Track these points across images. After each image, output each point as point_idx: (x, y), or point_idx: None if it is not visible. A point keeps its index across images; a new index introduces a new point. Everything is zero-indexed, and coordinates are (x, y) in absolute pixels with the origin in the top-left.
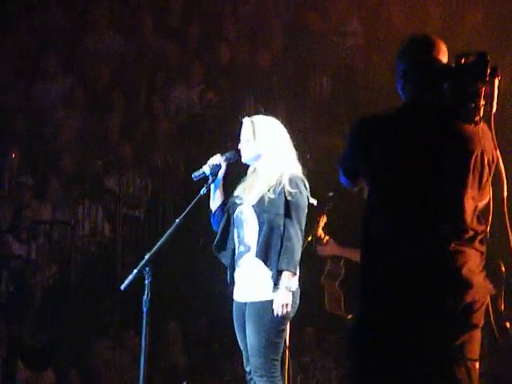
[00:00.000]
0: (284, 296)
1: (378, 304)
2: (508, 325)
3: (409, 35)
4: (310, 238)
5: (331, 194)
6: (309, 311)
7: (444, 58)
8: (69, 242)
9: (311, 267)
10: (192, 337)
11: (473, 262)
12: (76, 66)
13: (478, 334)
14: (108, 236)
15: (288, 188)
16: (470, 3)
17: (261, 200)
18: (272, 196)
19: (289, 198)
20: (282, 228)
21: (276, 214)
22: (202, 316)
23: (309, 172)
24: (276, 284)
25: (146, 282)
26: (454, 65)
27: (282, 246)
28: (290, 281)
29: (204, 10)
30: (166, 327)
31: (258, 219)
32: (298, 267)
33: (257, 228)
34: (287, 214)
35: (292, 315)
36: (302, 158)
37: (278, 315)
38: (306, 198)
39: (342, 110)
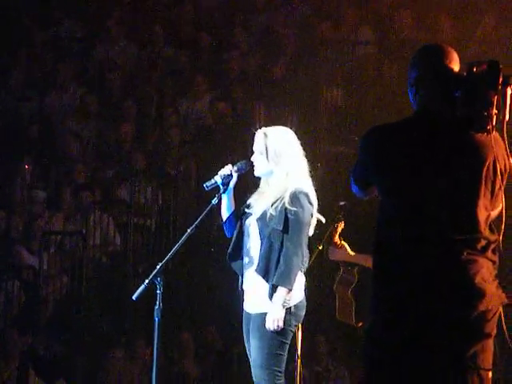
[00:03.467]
0: (276, 312)
1: (391, 313)
2: None
3: (421, 44)
4: (320, 247)
5: (342, 203)
6: (320, 320)
7: (456, 66)
8: (80, 252)
9: (323, 276)
10: (203, 346)
11: (485, 271)
12: (88, 76)
13: (490, 343)
14: (119, 246)
15: (288, 204)
16: (481, 12)
17: (263, 214)
18: (274, 212)
19: (289, 214)
20: (280, 243)
21: (276, 229)
22: (214, 325)
23: (320, 180)
24: (271, 299)
25: (158, 291)
26: (465, 73)
27: (279, 262)
28: (285, 296)
29: (215, 20)
30: (177, 337)
31: (260, 233)
32: (294, 283)
33: (259, 242)
34: (287, 230)
35: (294, 328)
36: (313, 168)
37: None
38: (308, 213)
39: (354, 119)
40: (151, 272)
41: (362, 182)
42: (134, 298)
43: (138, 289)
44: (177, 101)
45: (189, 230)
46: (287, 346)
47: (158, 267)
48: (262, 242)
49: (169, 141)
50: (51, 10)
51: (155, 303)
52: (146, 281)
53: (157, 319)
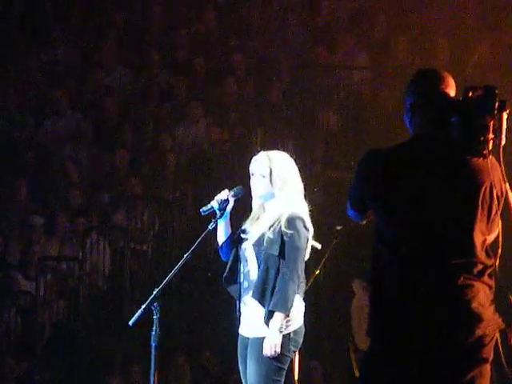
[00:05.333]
0: (274, 337)
1: (388, 337)
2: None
3: (416, 69)
4: (317, 272)
5: (339, 227)
6: (317, 345)
7: (452, 91)
8: (76, 277)
9: (320, 301)
10: (200, 371)
11: (482, 296)
12: (84, 101)
13: (487, 369)
14: (116, 271)
15: (284, 228)
16: (478, 35)
17: (260, 239)
18: (271, 236)
19: (285, 238)
20: (276, 269)
21: (272, 254)
22: (210, 350)
23: (316, 205)
24: (267, 324)
25: (155, 317)
26: (461, 98)
27: (275, 287)
28: (281, 322)
29: (211, 44)
30: (173, 362)
31: (257, 258)
32: (291, 308)
33: (256, 266)
34: (283, 255)
35: (292, 354)
36: (310, 192)
37: (273, 354)
38: (304, 238)
39: (350, 143)
40: (148, 297)
41: (358, 206)
42: (130, 323)
43: (134, 314)
44: (173, 126)
45: (185, 255)
46: (284, 372)
47: (154, 292)
48: (258, 267)
49: (165, 166)
50: (47, 35)
51: (152, 328)
52: (143, 306)
53: (153, 344)
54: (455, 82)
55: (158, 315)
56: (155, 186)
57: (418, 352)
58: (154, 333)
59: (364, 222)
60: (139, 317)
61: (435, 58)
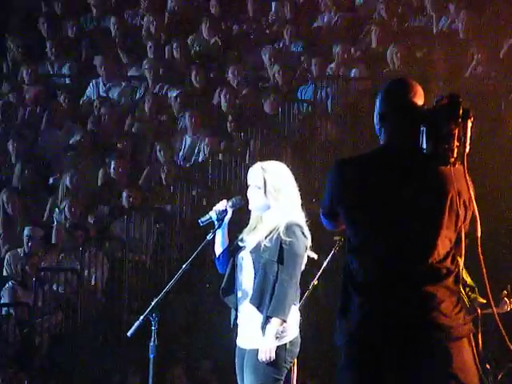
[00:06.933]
0: (269, 342)
1: (353, 345)
2: (488, 366)
3: (413, 79)
4: (316, 283)
5: (337, 237)
6: (316, 358)
7: (420, 100)
8: (75, 288)
9: (319, 312)
10: (197, 382)
11: (447, 304)
12: (82, 113)
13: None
14: (114, 282)
15: (283, 236)
16: (473, 45)
17: (257, 246)
18: (268, 243)
19: (284, 245)
20: (275, 274)
21: (270, 260)
22: (208, 361)
23: (314, 216)
24: (264, 330)
25: (153, 328)
26: (429, 107)
27: (273, 293)
28: (278, 328)
29: (208, 56)
30: (171, 373)
31: (254, 265)
32: (288, 314)
33: (253, 274)
34: (281, 261)
35: (289, 365)
36: (307, 203)
37: (270, 362)
38: (302, 245)
39: (348, 153)
40: (146, 308)
41: (329, 213)
42: (128, 334)
43: (132, 325)
44: (170, 137)
45: (184, 266)
46: (281, 383)
47: (152, 303)
48: (255, 274)
49: (163, 177)
50: (43, 47)
51: (150, 340)
52: (141, 317)
53: (152, 356)
54: (452, 90)
55: (157, 326)
56: (153, 197)
57: (384, 360)
58: (152, 344)
59: (337, 230)
60: (137, 328)
61: (432, 68)
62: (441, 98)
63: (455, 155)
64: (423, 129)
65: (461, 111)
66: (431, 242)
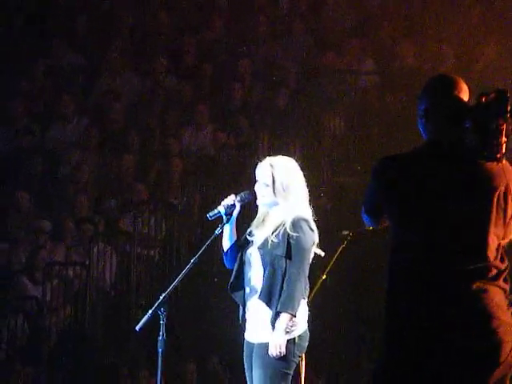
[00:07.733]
0: (278, 337)
1: (403, 344)
2: None
3: (423, 73)
4: (324, 277)
5: (346, 232)
6: (323, 353)
7: (465, 96)
8: (83, 282)
9: (326, 307)
10: (207, 377)
11: (498, 301)
12: (91, 107)
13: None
14: (122, 276)
15: (290, 231)
16: (483, 39)
17: (265, 242)
18: (275, 239)
19: (291, 240)
20: (283, 270)
21: (278, 255)
22: (217, 356)
23: (322, 210)
24: (274, 325)
25: (162, 322)
26: (475, 103)
27: (282, 288)
28: (287, 323)
29: (218, 50)
30: (181, 367)
31: (262, 261)
32: (298, 308)
33: (261, 270)
34: (289, 256)
35: (298, 359)
36: (316, 198)
37: (279, 356)
38: (310, 239)
39: (357, 148)
40: (155, 302)
41: (373, 211)
42: (137, 328)
43: (141, 319)
44: (179, 131)
45: (192, 261)
46: (290, 377)
47: (161, 297)
48: (264, 270)
49: (171, 171)
50: (53, 41)
51: (159, 334)
52: (150, 311)
53: (160, 350)
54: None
55: (165, 320)
56: (162, 190)
57: (434, 359)
58: (161, 338)
59: (378, 228)
60: (146, 322)
61: (441, 63)
62: (485, 94)
63: (503, 151)
64: (469, 125)
65: (509, 106)
66: (480, 238)
